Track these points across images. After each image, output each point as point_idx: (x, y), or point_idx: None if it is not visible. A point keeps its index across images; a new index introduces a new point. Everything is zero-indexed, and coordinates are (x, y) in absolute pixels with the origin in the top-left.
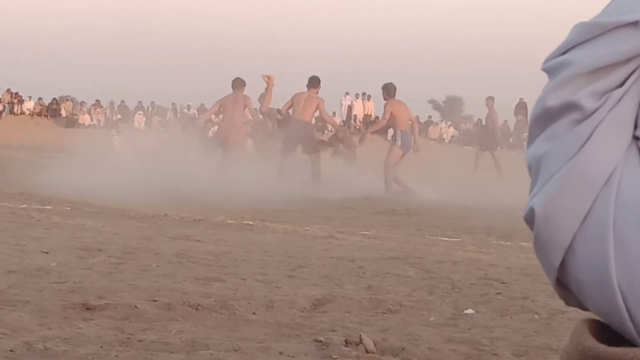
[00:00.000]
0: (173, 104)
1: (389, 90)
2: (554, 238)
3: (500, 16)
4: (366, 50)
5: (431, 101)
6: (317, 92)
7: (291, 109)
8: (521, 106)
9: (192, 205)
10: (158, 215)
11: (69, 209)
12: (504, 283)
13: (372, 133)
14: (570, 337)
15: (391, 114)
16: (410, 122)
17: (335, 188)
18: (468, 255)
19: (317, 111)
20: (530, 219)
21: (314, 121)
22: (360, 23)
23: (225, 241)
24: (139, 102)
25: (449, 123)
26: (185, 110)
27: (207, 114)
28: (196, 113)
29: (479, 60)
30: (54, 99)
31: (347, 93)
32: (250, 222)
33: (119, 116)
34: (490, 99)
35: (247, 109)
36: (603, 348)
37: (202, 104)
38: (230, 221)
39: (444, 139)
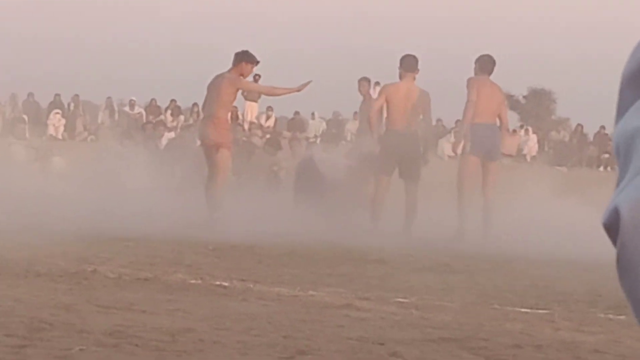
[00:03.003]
0: (108, 98)
1: (482, 65)
2: None
3: None
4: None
5: (506, 96)
6: (415, 79)
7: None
8: None
9: (136, 255)
10: (83, 272)
11: None
12: None
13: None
14: None
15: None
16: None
17: (358, 229)
18: (560, 336)
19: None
20: (612, 224)
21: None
22: None
23: (186, 312)
24: (56, 95)
25: (530, 130)
26: (127, 108)
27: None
28: (143, 113)
29: (580, 35)
30: None
31: (377, 83)
32: (225, 283)
33: (24, 116)
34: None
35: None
36: None
37: (152, 100)
38: (193, 281)
39: (524, 155)
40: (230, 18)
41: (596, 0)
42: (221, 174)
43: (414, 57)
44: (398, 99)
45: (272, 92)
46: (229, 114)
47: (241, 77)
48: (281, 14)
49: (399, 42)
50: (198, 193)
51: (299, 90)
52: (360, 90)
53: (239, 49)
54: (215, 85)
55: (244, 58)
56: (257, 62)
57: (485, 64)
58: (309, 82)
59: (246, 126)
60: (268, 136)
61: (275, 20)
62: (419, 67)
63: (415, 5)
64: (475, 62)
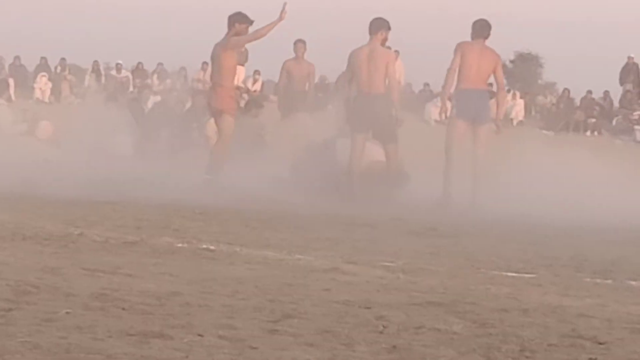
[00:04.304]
0: (95, 62)
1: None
2: None
3: None
4: None
5: None
6: (384, 42)
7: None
8: (631, 70)
9: (122, 218)
10: (70, 235)
11: None
12: (601, 344)
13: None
14: None
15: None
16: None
17: (343, 193)
18: (546, 300)
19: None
20: None
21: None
22: None
23: (173, 276)
24: (42, 59)
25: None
26: (114, 72)
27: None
28: (130, 76)
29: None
30: None
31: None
32: (212, 247)
33: (10, 80)
34: None
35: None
36: None
37: (139, 63)
38: (180, 245)
39: (511, 120)
40: None
41: None
42: (223, 139)
43: (381, 19)
44: (360, 61)
45: (260, 35)
46: (233, 79)
47: (231, 38)
48: None
49: (386, 2)
50: (184, 156)
51: (282, 19)
52: (295, 52)
53: (230, 11)
54: (214, 54)
55: (237, 19)
56: (252, 22)
57: (480, 28)
58: (285, 4)
59: None
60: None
61: None
62: (389, 27)
63: None
64: (472, 27)
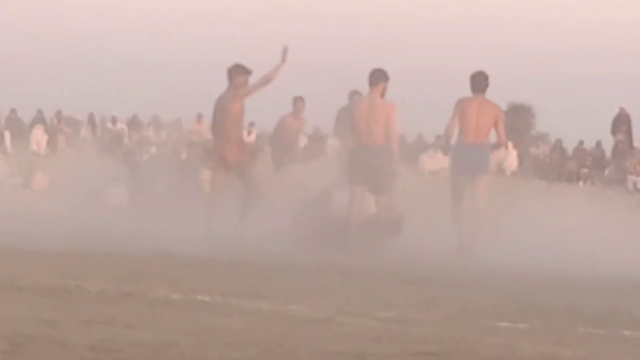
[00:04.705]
0: (90, 114)
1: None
2: None
3: None
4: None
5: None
6: (384, 94)
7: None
8: (622, 120)
9: (118, 269)
10: (66, 287)
11: None
12: None
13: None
14: None
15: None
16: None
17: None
18: (540, 351)
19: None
20: None
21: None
22: None
23: (169, 327)
24: (38, 111)
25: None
26: (110, 124)
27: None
28: (125, 128)
29: (560, 52)
30: None
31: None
32: (207, 298)
33: (6, 132)
34: None
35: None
36: None
37: (134, 115)
38: (176, 296)
39: (504, 170)
40: (210, 31)
41: (574, 17)
42: (256, 187)
43: (381, 70)
44: (359, 113)
45: (268, 80)
46: (242, 131)
47: (240, 89)
48: (259, 30)
49: (380, 56)
50: (179, 207)
51: (285, 62)
52: (294, 108)
53: (227, 64)
54: (221, 106)
55: (237, 71)
56: (251, 72)
57: (478, 82)
58: (286, 47)
59: None
60: None
61: (253, 38)
62: (387, 78)
63: (393, 20)
64: (470, 81)
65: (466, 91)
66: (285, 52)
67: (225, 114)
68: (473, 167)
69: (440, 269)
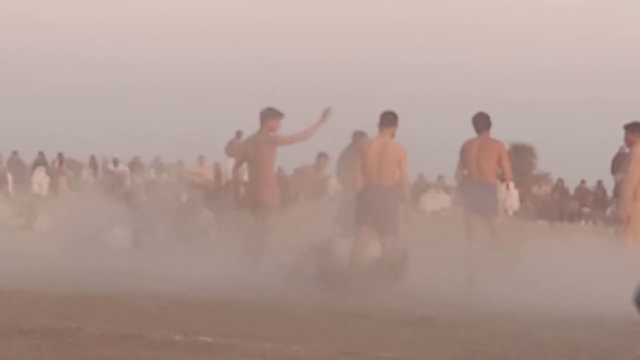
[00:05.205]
0: (92, 156)
1: None
2: None
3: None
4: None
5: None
6: (394, 136)
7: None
8: (623, 159)
9: (119, 312)
10: (67, 329)
11: None
12: None
13: None
14: None
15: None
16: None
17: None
18: None
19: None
20: None
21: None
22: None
23: None
24: (40, 153)
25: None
26: (111, 165)
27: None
28: (127, 170)
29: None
30: None
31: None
32: (208, 339)
33: (8, 175)
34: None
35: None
36: None
37: (135, 157)
38: (177, 337)
39: (506, 210)
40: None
41: (575, 57)
42: (268, 233)
43: (392, 113)
44: (371, 154)
45: (306, 137)
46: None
47: (276, 135)
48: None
49: (382, 89)
50: (180, 249)
51: (325, 121)
52: (318, 164)
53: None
54: (254, 149)
55: (270, 115)
56: (283, 115)
57: (478, 123)
58: (329, 109)
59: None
60: None
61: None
62: (397, 122)
63: (395, 53)
64: (472, 122)
65: (469, 131)
66: (327, 113)
67: (259, 158)
68: (483, 207)
69: (442, 310)
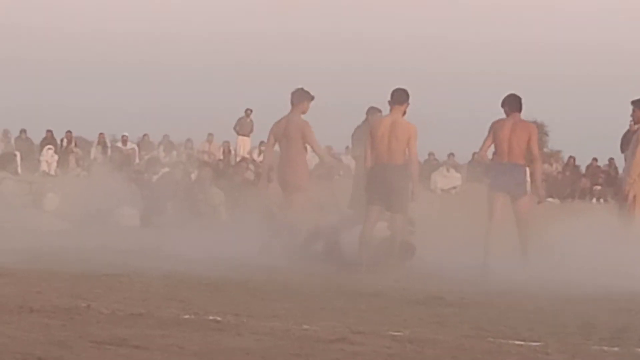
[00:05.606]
0: (100, 134)
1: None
2: None
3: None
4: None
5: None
6: (405, 114)
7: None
8: (631, 136)
9: (129, 290)
10: (77, 308)
11: None
12: None
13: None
14: None
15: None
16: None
17: (352, 262)
18: None
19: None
20: None
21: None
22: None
23: (180, 347)
24: (48, 132)
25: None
26: (120, 144)
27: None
28: (136, 148)
29: (569, 66)
30: None
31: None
32: (218, 318)
33: (16, 153)
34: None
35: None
36: None
37: (145, 135)
38: (187, 316)
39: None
40: (227, 48)
41: (586, 34)
42: (296, 212)
43: (404, 90)
44: (381, 132)
45: (321, 157)
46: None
47: (309, 128)
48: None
49: (394, 69)
50: (190, 227)
51: (331, 168)
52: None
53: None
54: (286, 130)
55: (303, 97)
56: (313, 97)
57: (510, 105)
58: (334, 166)
59: (238, 160)
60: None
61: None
62: (409, 99)
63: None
64: (502, 104)
65: (479, 109)
66: (333, 167)
67: (290, 139)
68: (510, 187)
69: (453, 288)
